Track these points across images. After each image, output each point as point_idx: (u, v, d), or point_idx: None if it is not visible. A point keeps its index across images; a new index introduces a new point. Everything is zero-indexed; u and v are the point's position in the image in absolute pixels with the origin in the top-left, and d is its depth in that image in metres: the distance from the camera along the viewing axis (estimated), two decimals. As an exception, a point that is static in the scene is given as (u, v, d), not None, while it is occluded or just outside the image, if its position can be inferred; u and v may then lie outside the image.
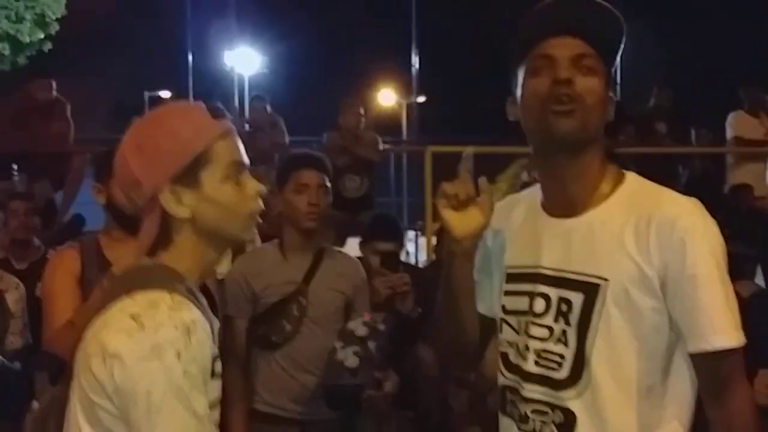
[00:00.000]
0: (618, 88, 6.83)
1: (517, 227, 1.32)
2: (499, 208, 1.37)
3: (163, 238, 1.10)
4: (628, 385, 1.19)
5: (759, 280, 4.58)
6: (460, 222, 1.26)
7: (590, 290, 1.20)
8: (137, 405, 0.99)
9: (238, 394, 2.23)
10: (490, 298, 1.35)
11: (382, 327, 2.22)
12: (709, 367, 1.19)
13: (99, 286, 1.16)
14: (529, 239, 1.29)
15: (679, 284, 1.17)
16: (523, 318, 1.26)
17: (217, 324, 1.15)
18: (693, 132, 6.22)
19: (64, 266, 2.02)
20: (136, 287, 1.04)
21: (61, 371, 1.10)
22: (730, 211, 5.29)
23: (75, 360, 1.06)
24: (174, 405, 0.99)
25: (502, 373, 1.30)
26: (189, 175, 1.09)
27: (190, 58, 9.59)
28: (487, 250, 1.36)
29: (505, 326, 1.30)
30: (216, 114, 1.12)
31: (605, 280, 1.19)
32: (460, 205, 1.26)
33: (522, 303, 1.27)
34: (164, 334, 1.00)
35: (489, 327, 1.37)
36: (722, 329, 1.16)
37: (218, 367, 1.09)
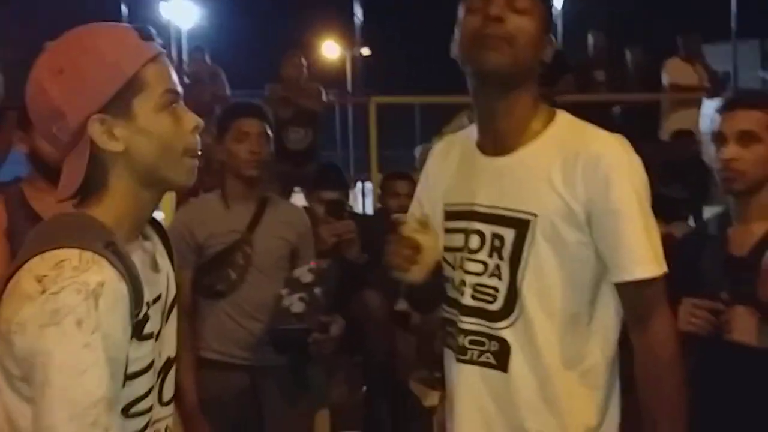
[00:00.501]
0: (559, 38, 6.85)
1: (455, 167, 1.35)
2: (437, 149, 1.42)
3: (93, 178, 0.99)
4: (557, 314, 1.25)
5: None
6: (416, 274, 1.30)
7: (521, 226, 1.25)
8: (34, 376, 0.90)
9: (185, 343, 2.24)
10: None
11: (328, 273, 2.24)
12: (631, 296, 1.25)
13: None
14: (464, 178, 1.32)
15: (603, 218, 1.22)
16: (459, 254, 1.30)
17: (162, 274, 1.06)
18: (627, 52, 6.30)
19: None
20: (50, 244, 0.94)
21: None
22: (669, 156, 5.46)
23: None
24: (66, 383, 0.88)
25: (443, 307, 1.35)
26: (120, 104, 0.97)
27: (124, 9, 9.20)
28: (427, 189, 1.40)
29: (443, 263, 1.34)
30: (144, 36, 1.00)
31: (534, 215, 1.25)
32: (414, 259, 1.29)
33: (458, 240, 1.31)
34: (65, 299, 0.89)
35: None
36: (642, 260, 1.22)
37: (149, 327, 0.99)
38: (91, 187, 1.00)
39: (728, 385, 1.53)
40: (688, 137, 5.77)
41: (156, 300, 1.04)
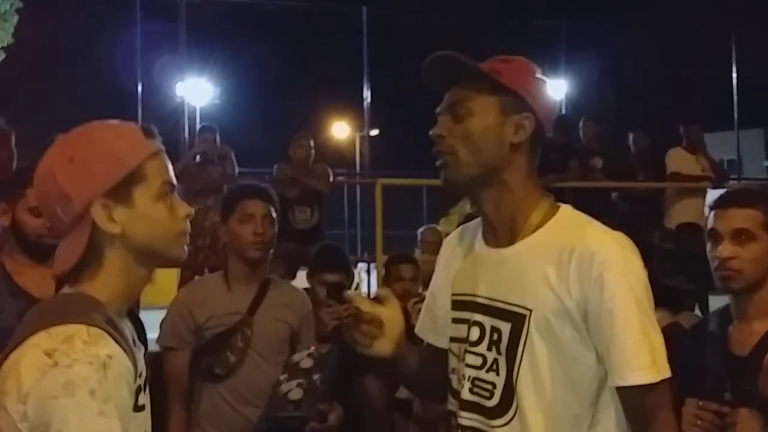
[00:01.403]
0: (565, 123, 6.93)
1: (462, 256, 1.36)
2: (450, 238, 1.43)
3: (91, 256, 1.08)
4: (554, 415, 1.21)
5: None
6: (382, 347, 1.34)
7: (517, 320, 1.23)
8: None
9: (180, 427, 2.19)
10: (444, 330, 1.37)
11: (328, 359, 2.21)
12: (629, 401, 1.20)
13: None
14: (469, 267, 1.32)
15: (598, 318, 1.19)
16: (462, 345, 1.29)
17: (141, 352, 1.13)
18: (630, 136, 6.36)
19: None
20: (53, 320, 1.01)
21: None
22: (675, 248, 5.45)
23: None
24: None
25: (449, 399, 1.32)
26: (122, 191, 1.08)
27: (140, 88, 9.49)
28: (441, 281, 1.40)
29: (450, 353, 1.33)
30: (147, 134, 1.12)
31: (529, 310, 1.22)
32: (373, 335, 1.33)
33: (462, 330, 1.30)
34: (78, 371, 0.96)
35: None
36: (637, 366, 1.17)
37: (142, 399, 1.06)
38: (85, 264, 1.09)
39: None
40: (694, 228, 5.76)
41: (140, 375, 1.10)
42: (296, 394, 2.13)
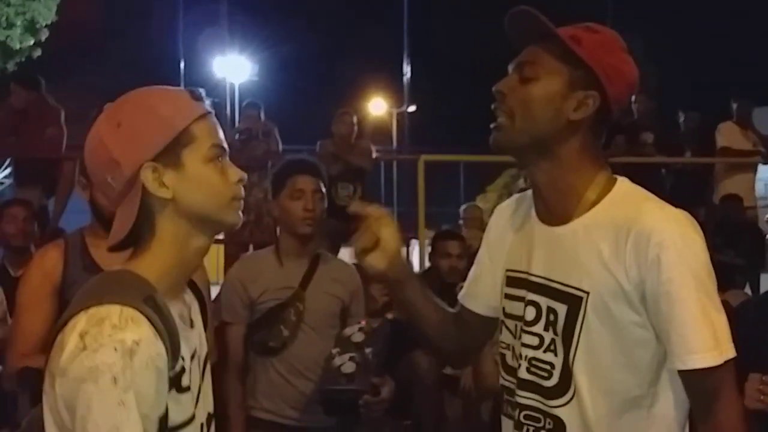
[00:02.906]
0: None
1: (517, 229, 1.32)
2: (504, 206, 1.39)
3: (143, 225, 1.05)
4: (612, 397, 1.18)
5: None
6: (376, 260, 1.31)
7: (573, 302, 1.19)
8: (75, 428, 0.96)
9: (236, 401, 2.22)
10: (486, 297, 1.36)
11: (379, 333, 2.22)
12: (691, 384, 1.17)
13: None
14: (523, 243, 1.29)
15: (656, 300, 1.15)
16: (518, 323, 1.27)
17: (196, 330, 1.10)
18: (681, 114, 6.24)
19: (43, 270, 1.98)
20: (93, 300, 1.00)
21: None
22: (721, 222, 5.34)
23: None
24: None
25: (501, 374, 1.31)
26: (171, 155, 1.04)
27: (182, 65, 9.58)
28: (490, 248, 1.37)
29: (504, 328, 1.31)
30: (195, 97, 1.08)
31: (586, 292, 1.18)
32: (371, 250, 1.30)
33: (517, 308, 1.27)
34: (102, 356, 0.95)
35: (485, 326, 1.38)
36: (697, 349, 1.14)
37: (185, 380, 1.04)
38: (141, 236, 1.06)
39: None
40: (736, 201, 5.64)
41: (192, 355, 1.08)
42: (349, 367, 2.14)
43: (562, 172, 1.22)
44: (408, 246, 6.47)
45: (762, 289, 5.82)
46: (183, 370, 1.03)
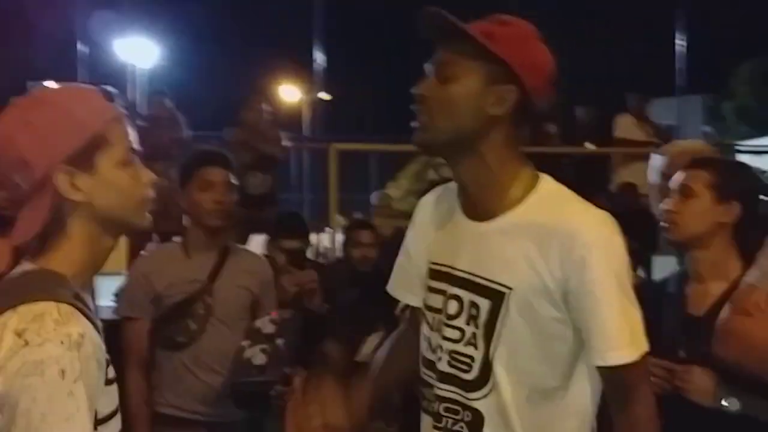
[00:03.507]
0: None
1: (441, 223, 1.33)
2: (428, 199, 1.39)
3: (53, 226, 1.04)
4: (529, 388, 1.22)
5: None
6: None
7: (496, 297, 1.22)
8: (17, 423, 0.93)
9: (139, 398, 2.17)
10: (417, 288, 1.36)
11: (290, 324, 2.22)
12: (610, 378, 1.22)
13: None
14: (448, 237, 1.30)
15: (579, 299, 1.19)
16: (438, 316, 1.29)
17: (99, 323, 1.10)
18: (578, 108, 6.49)
19: None
20: (20, 299, 0.99)
21: None
22: (617, 208, 5.62)
23: None
24: (51, 428, 0.93)
25: (422, 368, 1.32)
26: (84, 158, 1.03)
27: (79, 47, 9.09)
28: (417, 242, 1.37)
29: (423, 321, 1.32)
30: (109, 98, 1.08)
31: (510, 288, 1.21)
32: None
33: (438, 301, 1.29)
34: (48, 350, 0.95)
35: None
36: (617, 345, 1.19)
37: (110, 372, 1.05)
38: (47, 235, 1.05)
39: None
40: (632, 189, 5.96)
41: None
42: (260, 359, 2.13)
43: (485, 168, 1.23)
44: (320, 234, 6.47)
45: (654, 270, 6.17)
46: (108, 362, 1.04)
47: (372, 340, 2.85)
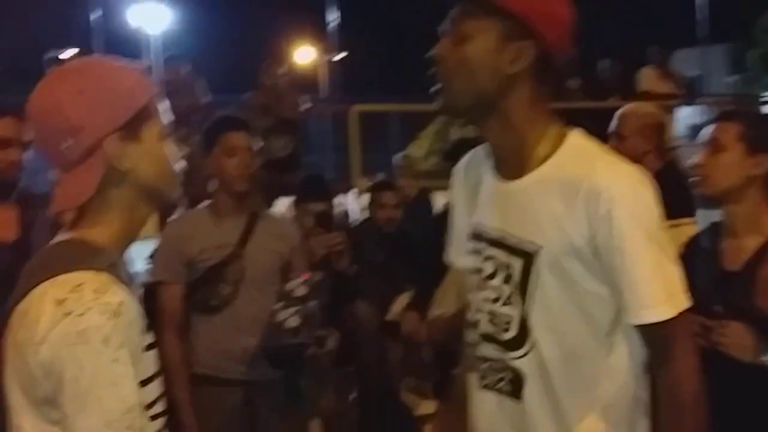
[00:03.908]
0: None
1: (475, 183, 1.32)
2: (463, 162, 1.38)
3: (95, 195, 1.06)
4: (568, 348, 1.21)
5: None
6: None
7: (527, 256, 1.21)
8: (64, 391, 0.96)
9: (177, 359, 2.21)
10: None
11: (321, 286, 2.24)
12: (646, 336, 1.19)
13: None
14: (482, 198, 1.30)
15: (608, 255, 1.16)
16: (477, 277, 1.29)
17: (138, 291, 1.15)
18: (600, 62, 6.39)
19: None
20: (58, 269, 1.01)
21: None
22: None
23: (4, 348, 1.02)
24: (100, 393, 0.96)
25: (465, 327, 1.33)
26: (132, 128, 1.06)
27: (97, 15, 9.04)
28: (459, 206, 1.37)
29: (467, 282, 1.32)
30: (148, 72, 1.15)
31: (539, 247, 1.19)
32: None
33: (477, 262, 1.29)
34: (90, 319, 0.97)
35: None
36: (650, 303, 1.15)
37: (149, 338, 1.07)
38: (88, 204, 1.07)
39: (727, 400, 1.55)
40: None
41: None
42: (293, 321, 2.16)
43: (510, 127, 1.21)
44: (346, 195, 6.48)
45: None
46: (146, 327, 1.06)
47: (401, 300, 2.88)
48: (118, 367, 0.97)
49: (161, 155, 1.10)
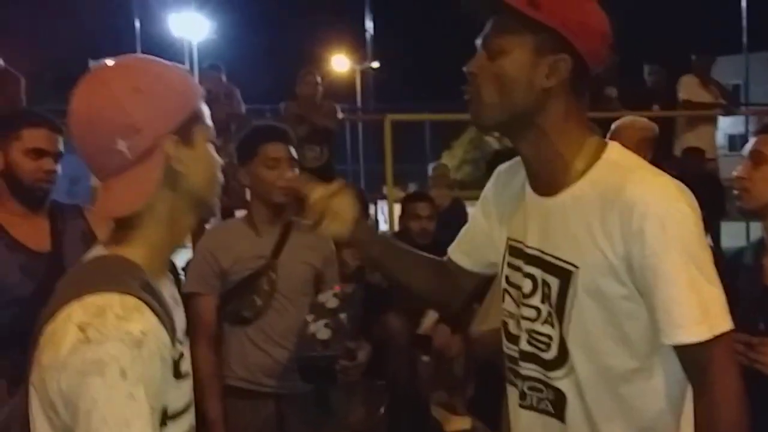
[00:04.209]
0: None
1: (513, 196, 1.30)
2: (503, 169, 1.37)
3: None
4: (607, 369, 1.17)
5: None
6: (335, 228, 1.39)
7: (564, 275, 1.18)
8: (78, 423, 0.91)
9: (210, 372, 2.22)
10: (477, 254, 1.38)
11: (353, 298, 2.23)
12: (682, 357, 1.14)
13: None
14: (520, 213, 1.27)
15: (642, 273, 1.12)
16: (518, 293, 1.26)
17: (181, 309, 1.09)
18: (646, 68, 6.28)
19: None
20: (86, 288, 0.95)
21: (20, 379, 1.00)
22: (681, 174, 5.45)
23: (31, 368, 0.97)
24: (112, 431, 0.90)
25: (504, 342, 1.30)
26: (186, 130, 1.03)
27: (137, 24, 9.22)
28: (486, 208, 1.36)
29: (506, 296, 1.29)
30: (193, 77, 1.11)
31: (576, 267, 1.17)
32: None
33: (517, 278, 1.27)
34: (109, 349, 0.91)
35: (469, 280, 1.41)
36: (683, 323, 1.10)
37: (185, 366, 1.03)
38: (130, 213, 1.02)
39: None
40: (698, 154, 5.76)
41: (185, 335, 1.06)
42: (324, 333, 2.15)
43: (546, 142, 1.19)
44: (375, 206, 6.48)
45: (722, 238, 5.99)
46: (182, 355, 1.02)
47: (432, 314, 2.85)
48: (133, 405, 0.91)
49: (211, 161, 1.06)
